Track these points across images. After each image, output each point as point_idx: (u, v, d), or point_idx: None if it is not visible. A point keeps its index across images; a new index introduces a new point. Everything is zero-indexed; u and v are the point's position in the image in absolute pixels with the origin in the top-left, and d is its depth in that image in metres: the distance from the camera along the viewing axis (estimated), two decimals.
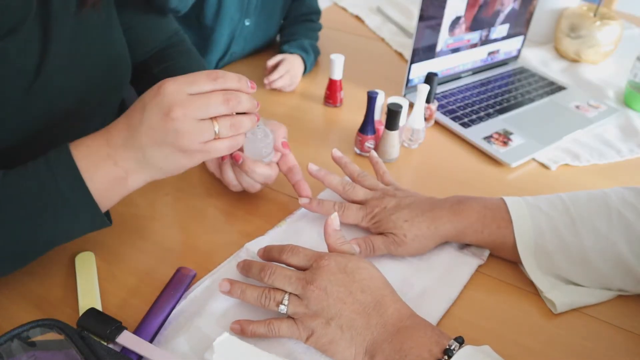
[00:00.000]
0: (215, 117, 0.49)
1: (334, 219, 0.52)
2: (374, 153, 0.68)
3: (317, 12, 1.09)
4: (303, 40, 1.01)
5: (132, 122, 0.48)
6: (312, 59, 1.00)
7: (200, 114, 0.48)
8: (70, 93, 0.61)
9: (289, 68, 0.94)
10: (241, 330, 0.48)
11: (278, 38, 1.10)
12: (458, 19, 0.90)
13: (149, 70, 0.76)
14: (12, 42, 0.52)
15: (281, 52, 0.99)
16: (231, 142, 0.51)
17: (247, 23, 0.98)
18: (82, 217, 0.48)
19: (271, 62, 0.95)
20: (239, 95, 0.50)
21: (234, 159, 0.60)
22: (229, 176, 0.63)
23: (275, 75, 0.92)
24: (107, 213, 0.52)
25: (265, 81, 0.93)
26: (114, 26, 0.67)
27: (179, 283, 0.53)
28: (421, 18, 0.84)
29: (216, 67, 1.00)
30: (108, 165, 0.48)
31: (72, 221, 0.48)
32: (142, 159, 0.49)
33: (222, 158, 0.64)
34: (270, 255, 0.53)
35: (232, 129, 0.50)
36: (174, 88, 0.47)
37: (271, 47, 1.08)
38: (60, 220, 0.47)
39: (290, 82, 0.94)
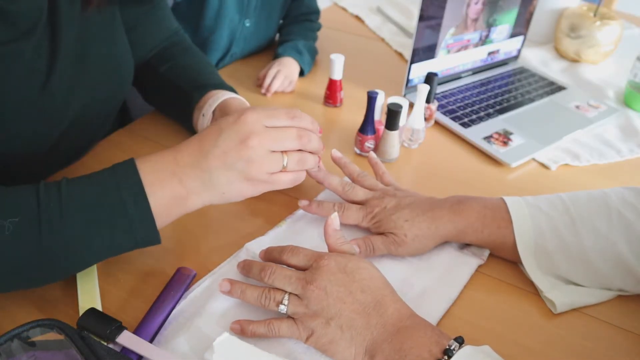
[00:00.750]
0: (285, 151, 0.52)
1: (334, 219, 0.52)
2: (372, 154, 0.68)
3: (316, 12, 1.08)
4: (298, 42, 1.00)
5: (205, 144, 0.50)
6: (308, 60, 1.00)
7: (274, 146, 0.51)
8: (78, 92, 0.61)
9: (279, 68, 0.93)
10: (241, 330, 0.48)
11: (277, 38, 1.10)
12: (458, 18, 0.90)
13: (154, 70, 0.76)
14: (27, 43, 0.53)
15: (276, 54, 0.99)
16: (295, 177, 0.54)
17: (247, 24, 0.98)
18: (137, 232, 0.48)
19: (263, 72, 0.95)
20: (311, 134, 0.54)
21: None
22: None
23: (267, 80, 0.92)
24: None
25: (263, 90, 0.92)
26: (117, 27, 0.67)
27: (179, 283, 0.53)
28: (421, 18, 0.84)
29: (216, 67, 1.00)
30: (172, 183, 0.49)
31: (126, 234, 0.47)
32: (208, 181, 0.50)
33: None
34: (271, 256, 0.53)
35: (299, 164, 0.53)
36: (254, 118, 0.50)
37: (271, 47, 1.08)
38: (115, 231, 0.47)
39: (287, 83, 0.93)
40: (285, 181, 0.54)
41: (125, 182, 0.47)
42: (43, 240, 0.44)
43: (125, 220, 0.47)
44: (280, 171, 0.52)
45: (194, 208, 0.51)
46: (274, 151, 0.51)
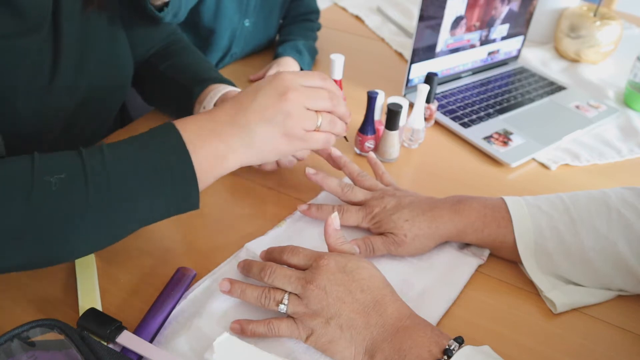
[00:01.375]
0: (318, 111, 0.53)
1: (334, 219, 0.52)
2: (372, 154, 0.68)
3: (316, 12, 1.08)
4: (298, 42, 1.00)
5: (243, 102, 0.51)
6: (308, 60, 1.00)
7: (309, 103, 0.52)
8: (79, 90, 0.61)
9: (279, 68, 0.94)
10: (241, 330, 0.48)
11: (277, 38, 1.10)
12: (458, 19, 0.90)
13: (154, 68, 0.77)
14: (34, 38, 0.54)
15: (276, 54, 0.99)
16: (326, 137, 0.55)
17: (246, 23, 0.98)
18: (179, 193, 0.47)
19: (262, 72, 0.95)
20: (340, 98, 0.56)
21: None
22: None
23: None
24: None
25: None
26: (117, 26, 0.67)
27: (179, 283, 0.53)
28: (421, 18, 0.84)
29: (216, 67, 1.00)
30: (213, 141, 0.49)
31: (169, 196, 0.47)
32: (246, 137, 0.50)
33: None
34: (271, 256, 0.53)
35: (330, 125, 0.55)
36: (291, 77, 0.52)
37: (271, 47, 1.08)
38: (158, 193, 0.46)
39: None
40: (319, 140, 0.55)
41: (166, 141, 0.47)
42: (90, 198, 0.43)
43: (170, 180, 0.46)
44: (315, 130, 0.54)
45: (232, 168, 0.51)
46: (308, 109, 0.53)
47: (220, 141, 0.49)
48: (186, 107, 0.73)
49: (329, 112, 0.55)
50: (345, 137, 0.63)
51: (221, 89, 0.70)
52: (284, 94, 0.51)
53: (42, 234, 0.43)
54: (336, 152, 0.66)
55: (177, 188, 0.47)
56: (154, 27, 0.77)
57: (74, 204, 0.43)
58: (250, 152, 0.51)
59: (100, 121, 0.70)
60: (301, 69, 0.97)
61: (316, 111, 0.53)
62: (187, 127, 0.49)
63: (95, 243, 0.47)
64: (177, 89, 0.74)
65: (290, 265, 0.51)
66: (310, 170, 0.63)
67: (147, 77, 0.78)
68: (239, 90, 0.72)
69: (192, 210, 0.50)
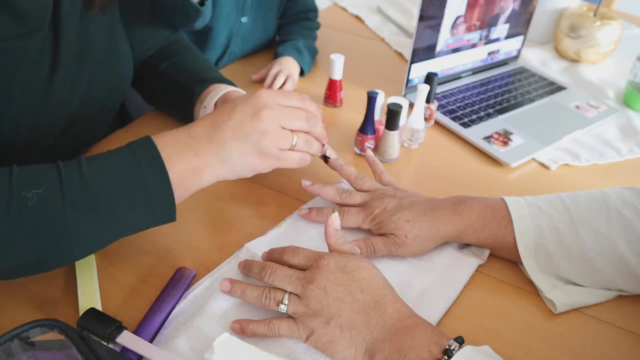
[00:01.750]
0: (294, 131, 0.54)
1: (335, 219, 0.52)
2: (370, 152, 0.68)
3: (314, 10, 1.08)
4: (298, 41, 1.00)
5: (218, 119, 0.52)
6: (308, 59, 1.00)
7: (285, 122, 0.53)
8: (78, 89, 0.61)
9: (281, 68, 0.94)
10: (241, 330, 0.48)
11: (277, 37, 1.10)
12: (458, 19, 0.90)
13: (154, 68, 0.77)
14: (33, 41, 0.54)
15: (277, 53, 0.99)
16: (302, 157, 0.56)
17: (243, 20, 0.98)
18: (156, 206, 0.48)
19: (263, 72, 0.95)
20: (317, 119, 0.57)
21: None
22: None
23: (269, 80, 0.92)
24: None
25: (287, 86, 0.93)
26: (117, 25, 0.67)
27: (179, 283, 0.53)
28: (421, 18, 0.84)
29: (215, 66, 1.00)
30: (189, 156, 0.50)
31: (145, 209, 0.48)
32: (222, 153, 0.51)
33: None
34: (272, 257, 0.53)
35: (306, 145, 0.56)
36: (268, 95, 0.53)
37: (271, 47, 1.08)
38: (134, 206, 0.47)
39: (291, 83, 0.93)
40: (294, 159, 0.56)
41: (144, 156, 0.48)
42: (67, 214, 0.44)
43: (146, 194, 0.47)
44: (290, 149, 0.55)
45: (209, 182, 0.52)
46: (284, 128, 0.53)
47: (196, 156, 0.50)
48: (186, 107, 0.73)
49: (305, 132, 0.56)
50: (324, 158, 0.64)
51: (222, 89, 0.70)
52: (259, 112, 0.51)
53: (23, 245, 0.44)
54: (332, 154, 0.65)
55: (154, 201, 0.48)
56: (154, 26, 0.77)
57: (52, 219, 0.44)
58: (225, 168, 0.52)
59: (99, 121, 0.70)
60: (302, 69, 0.97)
61: (292, 130, 0.54)
62: (164, 143, 0.50)
63: (76, 253, 0.48)
64: (177, 88, 0.74)
65: (290, 266, 0.51)
66: (306, 182, 0.63)
67: (147, 77, 0.78)
68: (239, 90, 0.72)
69: (169, 222, 0.51)
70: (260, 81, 0.95)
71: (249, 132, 0.51)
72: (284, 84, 0.92)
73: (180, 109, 0.75)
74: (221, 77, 0.75)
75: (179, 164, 0.49)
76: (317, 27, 1.08)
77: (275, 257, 0.53)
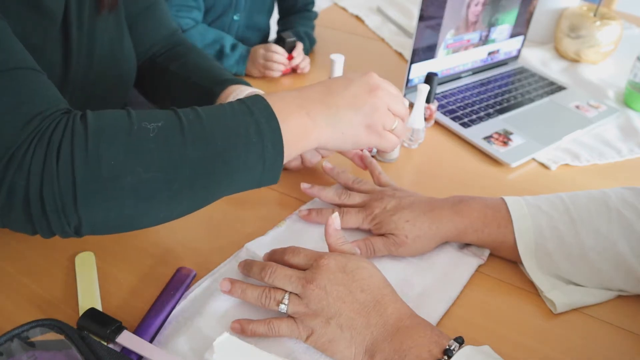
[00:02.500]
0: (396, 115, 0.57)
1: (335, 219, 0.52)
2: (366, 153, 0.68)
3: (312, 2, 1.12)
4: (298, 29, 1.05)
5: (334, 87, 0.54)
6: (307, 46, 1.04)
7: (392, 105, 0.56)
8: (87, 87, 0.62)
9: (301, 49, 1.00)
10: (241, 330, 0.48)
11: (275, 32, 1.13)
12: (458, 19, 0.90)
13: (164, 68, 0.76)
14: (47, 40, 0.55)
15: (277, 40, 1.03)
16: (396, 141, 0.59)
17: (235, 18, 1.01)
18: (267, 156, 0.48)
19: (278, 56, 0.97)
20: (408, 113, 0.61)
21: None
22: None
23: (297, 60, 0.98)
24: None
25: (291, 63, 0.98)
26: (122, 25, 0.68)
27: (179, 283, 0.53)
28: (421, 18, 0.84)
29: None
30: (300, 115, 0.51)
31: (257, 158, 0.47)
32: (332, 117, 0.53)
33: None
34: (273, 258, 0.53)
35: (402, 131, 0.60)
36: (379, 78, 0.57)
37: (264, 42, 1.10)
38: (247, 152, 0.47)
39: (306, 61, 1.00)
40: (391, 140, 0.58)
41: (257, 107, 0.49)
42: (188, 148, 0.44)
43: (259, 137, 0.47)
44: (391, 130, 0.57)
45: (316, 144, 0.53)
46: (390, 110, 0.56)
47: (307, 116, 0.51)
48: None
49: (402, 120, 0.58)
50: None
51: (243, 90, 0.69)
52: (376, 89, 0.55)
53: (137, 173, 0.43)
54: (327, 164, 0.67)
55: (267, 151, 0.48)
56: (154, 24, 0.77)
57: (171, 152, 0.44)
58: (332, 133, 0.53)
59: None
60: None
61: (394, 115, 0.57)
62: (275, 99, 0.50)
63: (188, 203, 0.47)
64: (193, 89, 0.73)
65: (291, 266, 0.51)
66: (305, 185, 0.64)
67: (155, 77, 0.78)
68: (259, 91, 0.71)
69: (273, 182, 0.51)
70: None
71: (363, 103, 0.53)
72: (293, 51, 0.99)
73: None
74: (238, 79, 0.75)
75: (290, 120, 0.50)
76: (315, 17, 1.12)
77: (276, 257, 0.53)
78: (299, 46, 0.99)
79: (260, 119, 0.48)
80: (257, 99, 0.50)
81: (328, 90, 0.54)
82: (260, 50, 0.96)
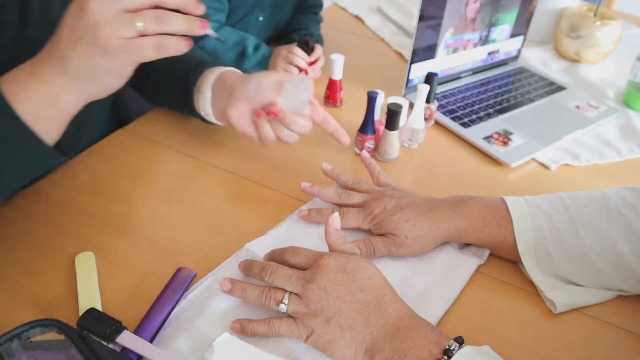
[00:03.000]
0: (138, 11, 0.44)
1: (335, 219, 0.52)
2: (365, 153, 0.68)
3: (320, 5, 1.14)
4: (312, 30, 1.08)
5: (56, 34, 0.44)
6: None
7: (118, 4, 0.43)
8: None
9: (320, 53, 1.00)
10: (241, 329, 0.48)
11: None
12: (458, 18, 0.90)
13: (153, 65, 0.73)
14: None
15: (291, 40, 1.04)
16: (158, 41, 0.45)
17: (260, 18, 1.04)
18: (20, 146, 0.44)
19: (296, 59, 0.97)
20: None
21: (275, 115, 0.59)
22: (266, 130, 0.63)
23: (318, 52, 0.99)
24: (57, 146, 0.47)
25: (311, 68, 0.98)
26: None
27: (179, 283, 0.53)
28: (421, 18, 0.84)
29: None
30: (33, 83, 0.44)
31: (14, 153, 0.44)
32: (66, 69, 0.44)
33: (257, 114, 0.62)
34: (273, 258, 0.53)
35: (159, 23, 0.44)
36: None
37: (280, 37, 1.13)
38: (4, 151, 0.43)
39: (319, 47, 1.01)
40: (147, 46, 0.45)
41: None
42: None
43: (4, 140, 0.43)
44: (138, 36, 0.45)
45: (71, 108, 0.47)
46: (123, 12, 0.43)
47: (42, 81, 0.44)
48: (187, 98, 0.69)
49: (154, 9, 0.45)
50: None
51: (216, 72, 0.66)
52: (84, 4, 0.42)
53: None
54: (327, 165, 0.66)
55: (15, 140, 0.44)
56: None
57: None
58: (79, 84, 0.46)
59: (95, 113, 0.68)
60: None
61: (135, 12, 0.44)
62: (4, 78, 0.44)
63: None
64: (174, 80, 0.70)
65: (291, 266, 0.51)
66: (305, 184, 0.64)
67: (147, 76, 0.76)
68: (235, 70, 0.68)
69: (56, 162, 0.46)
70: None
71: (81, 31, 0.43)
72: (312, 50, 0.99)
73: (182, 101, 0.71)
74: (218, 61, 0.71)
75: (25, 94, 0.44)
76: (321, 20, 1.15)
77: (276, 257, 0.53)
78: (319, 49, 0.99)
79: None
80: None
81: (52, 41, 0.44)
82: (282, 51, 0.96)
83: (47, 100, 0.45)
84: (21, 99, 0.44)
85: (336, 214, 0.52)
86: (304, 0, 1.12)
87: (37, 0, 0.56)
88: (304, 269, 0.50)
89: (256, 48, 0.98)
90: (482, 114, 0.88)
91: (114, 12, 0.43)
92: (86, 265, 0.55)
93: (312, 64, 0.98)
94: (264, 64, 0.98)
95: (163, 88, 0.76)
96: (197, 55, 0.74)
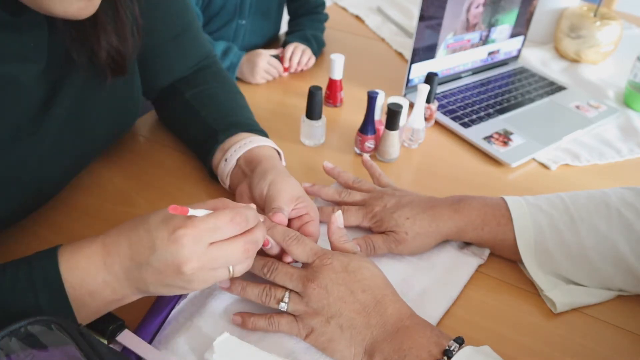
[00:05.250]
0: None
1: (338, 217, 0.52)
2: (366, 156, 0.69)
3: (322, 5, 1.12)
4: (306, 31, 1.05)
5: (138, 256, 0.43)
6: (315, 48, 1.04)
7: (216, 265, 0.43)
8: (70, 142, 0.58)
9: (293, 48, 0.99)
10: (242, 322, 0.48)
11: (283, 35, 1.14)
12: (458, 20, 0.90)
13: (180, 95, 0.71)
14: (24, 71, 0.50)
15: (284, 42, 1.03)
16: (244, 270, 0.47)
17: (242, 22, 1.01)
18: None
19: (286, 53, 0.98)
20: (258, 240, 0.46)
21: (264, 245, 0.52)
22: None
23: (287, 53, 0.98)
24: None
25: (286, 66, 0.98)
26: (132, 82, 0.65)
27: None
28: (421, 18, 0.84)
29: None
30: (105, 293, 0.44)
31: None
32: (144, 289, 0.44)
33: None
34: (273, 235, 0.51)
35: (248, 266, 0.47)
36: (192, 239, 0.41)
37: (272, 45, 1.10)
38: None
39: (307, 57, 0.99)
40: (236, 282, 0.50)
41: (46, 291, 0.43)
42: None
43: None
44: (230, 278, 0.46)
45: (129, 301, 0.47)
46: (215, 269, 0.44)
47: (115, 293, 0.44)
48: (207, 150, 0.66)
49: (240, 236, 0.44)
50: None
51: (247, 142, 0.62)
52: (181, 266, 0.41)
53: None
54: (328, 164, 0.67)
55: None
56: (184, 53, 0.72)
57: None
58: (152, 292, 0.45)
59: (95, 154, 0.67)
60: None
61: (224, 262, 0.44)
62: (73, 278, 0.43)
63: None
64: (200, 125, 0.68)
65: (292, 254, 0.50)
66: (306, 184, 0.64)
67: (171, 102, 0.73)
68: (267, 143, 0.64)
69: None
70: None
71: (172, 280, 0.43)
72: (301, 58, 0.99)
73: (199, 147, 0.68)
74: (249, 120, 0.68)
75: (93, 302, 0.44)
76: (325, 19, 1.12)
77: (277, 237, 0.50)
78: (289, 48, 0.98)
79: (43, 304, 0.42)
80: (48, 275, 0.42)
81: (131, 260, 0.43)
82: (262, 62, 0.94)
83: (112, 303, 0.45)
84: (87, 303, 0.44)
85: (339, 212, 0.52)
86: (302, 2, 1.09)
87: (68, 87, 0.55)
88: (303, 262, 0.50)
89: (225, 53, 0.93)
90: (482, 114, 0.88)
91: (209, 269, 0.43)
92: None
93: (286, 70, 0.98)
94: (232, 71, 0.94)
95: (186, 125, 0.72)
96: (233, 106, 0.70)
